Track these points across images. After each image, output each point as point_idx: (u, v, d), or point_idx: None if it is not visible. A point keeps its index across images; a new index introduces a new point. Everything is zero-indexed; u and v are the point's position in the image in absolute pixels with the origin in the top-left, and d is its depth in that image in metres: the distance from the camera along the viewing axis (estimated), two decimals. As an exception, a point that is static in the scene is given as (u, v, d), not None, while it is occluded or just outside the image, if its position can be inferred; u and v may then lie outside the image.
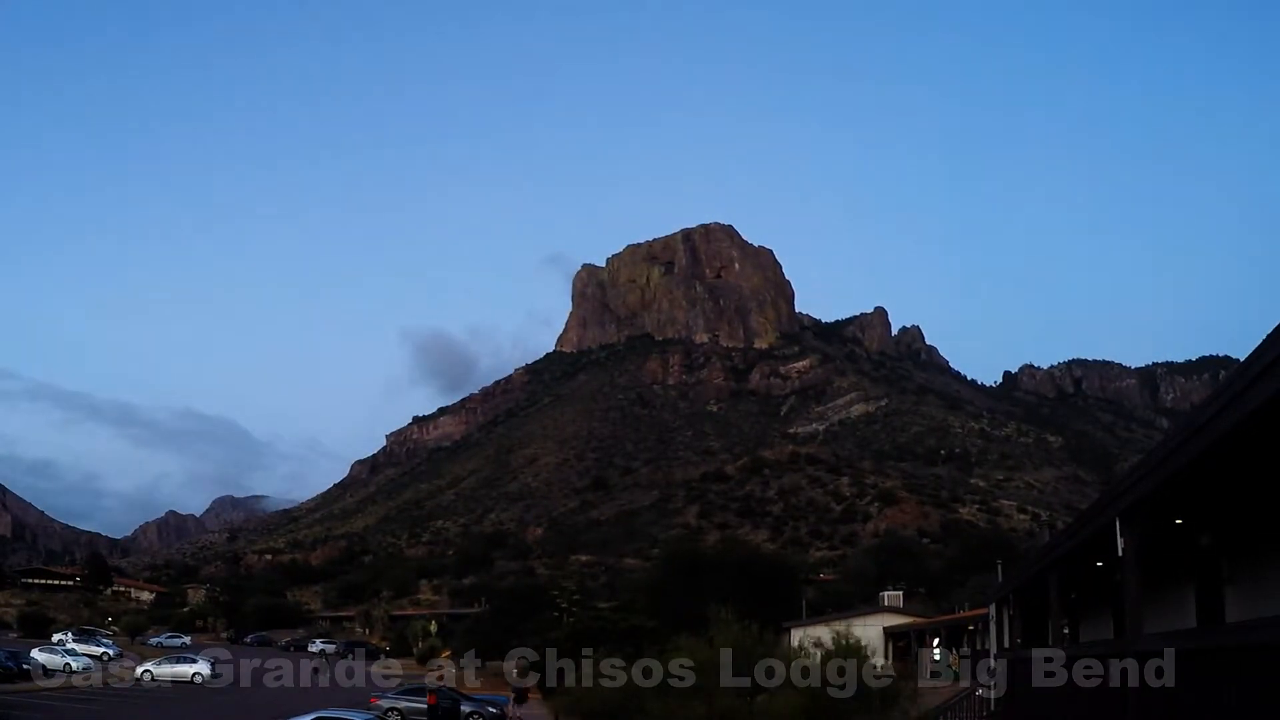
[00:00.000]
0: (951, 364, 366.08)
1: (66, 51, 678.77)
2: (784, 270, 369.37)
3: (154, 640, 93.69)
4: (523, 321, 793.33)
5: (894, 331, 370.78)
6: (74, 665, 56.54)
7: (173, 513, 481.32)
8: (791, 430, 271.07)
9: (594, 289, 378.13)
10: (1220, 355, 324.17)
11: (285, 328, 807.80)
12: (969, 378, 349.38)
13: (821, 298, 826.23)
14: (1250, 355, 8.49)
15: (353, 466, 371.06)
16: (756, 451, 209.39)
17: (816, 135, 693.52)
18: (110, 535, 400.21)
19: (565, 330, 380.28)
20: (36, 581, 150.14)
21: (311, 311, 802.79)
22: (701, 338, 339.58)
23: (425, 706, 39.42)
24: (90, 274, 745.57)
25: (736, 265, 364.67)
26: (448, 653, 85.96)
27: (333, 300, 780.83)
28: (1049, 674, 17.79)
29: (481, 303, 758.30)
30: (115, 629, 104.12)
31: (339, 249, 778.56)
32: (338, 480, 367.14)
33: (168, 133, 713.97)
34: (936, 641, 55.64)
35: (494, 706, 41.24)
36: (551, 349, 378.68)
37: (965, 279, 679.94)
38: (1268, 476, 11.12)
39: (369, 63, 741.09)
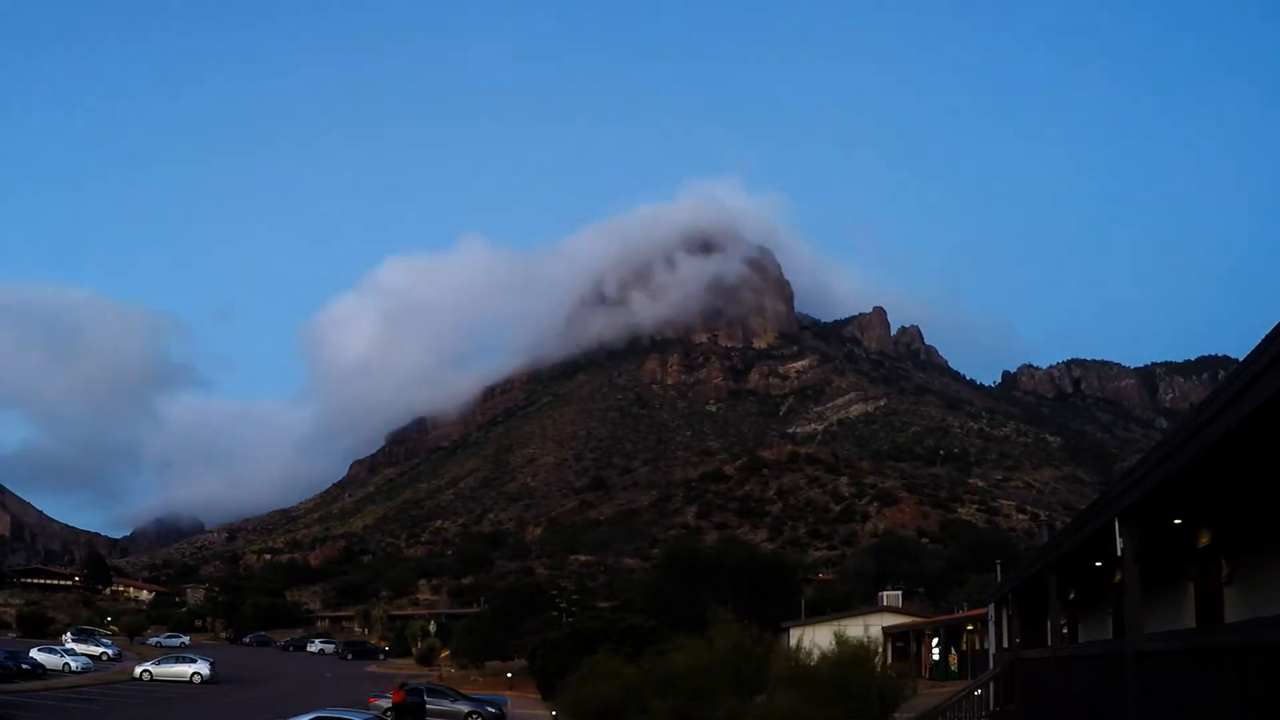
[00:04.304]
0: (950, 364, 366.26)
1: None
2: (784, 270, 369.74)
3: (153, 640, 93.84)
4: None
5: (893, 331, 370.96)
6: (73, 665, 56.68)
7: (172, 512, 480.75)
8: (790, 430, 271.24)
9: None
10: (1219, 355, 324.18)
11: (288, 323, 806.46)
12: (968, 378, 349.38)
13: (821, 298, 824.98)
14: (1249, 355, 8.51)
15: (351, 466, 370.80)
16: (755, 451, 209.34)
17: (816, 135, 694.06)
18: (109, 535, 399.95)
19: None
20: (35, 581, 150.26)
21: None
22: (700, 337, 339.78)
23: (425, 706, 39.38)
24: (92, 273, 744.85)
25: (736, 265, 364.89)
26: (446, 653, 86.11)
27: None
28: (1048, 674, 17.81)
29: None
30: (114, 629, 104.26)
31: (345, 250, 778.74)
32: (336, 480, 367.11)
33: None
34: (935, 641, 55.72)
35: (493, 706, 41.22)
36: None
37: (965, 279, 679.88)
38: (1267, 476, 11.14)
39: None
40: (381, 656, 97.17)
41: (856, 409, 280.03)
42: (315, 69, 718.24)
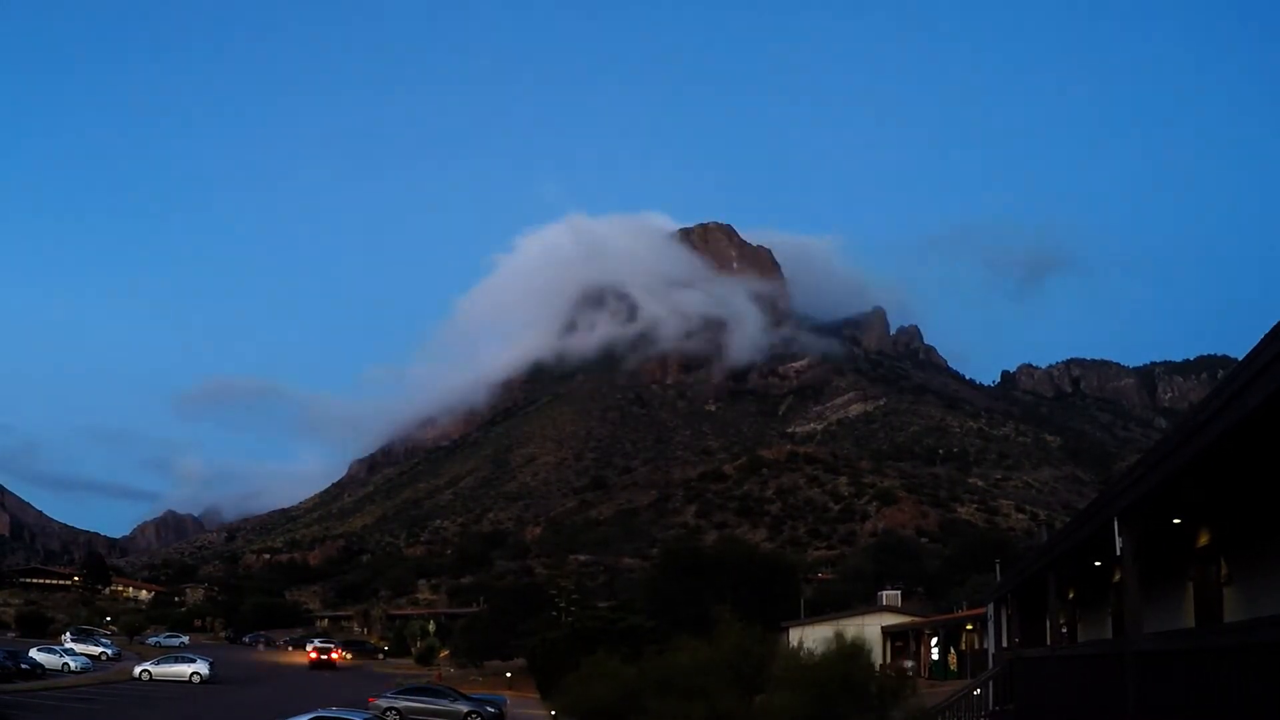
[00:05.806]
0: (950, 364, 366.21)
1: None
2: (783, 270, 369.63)
3: (152, 640, 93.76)
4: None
5: (892, 331, 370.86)
6: (72, 665, 56.62)
7: (171, 512, 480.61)
8: (789, 430, 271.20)
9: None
10: (1219, 355, 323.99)
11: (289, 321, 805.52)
12: (967, 377, 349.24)
13: (821, 298, 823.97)
14: (1248, 354, 8.50)
15: (351, 465, 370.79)
16: (755, 451, 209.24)
17: (815, 134, 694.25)
18: (109, 534, 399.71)
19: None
20: (35, 581, 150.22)
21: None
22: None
23: (423, 706, 39.35)
24: (90, 270, 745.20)
25: (736, 265, 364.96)
26: (446, 653, 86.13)
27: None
28: (1048, 674, 17.80)
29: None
30: (114, 628, 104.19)
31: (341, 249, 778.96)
32: (336, 480, 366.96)
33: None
34: (935, 641, 55.69)
35: (493, 706, 41.24)
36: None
37: (964, 278, 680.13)
38: (1266, 476, 11.13)
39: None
40: (380, 656, 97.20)
41: (856, 409, 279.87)
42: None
